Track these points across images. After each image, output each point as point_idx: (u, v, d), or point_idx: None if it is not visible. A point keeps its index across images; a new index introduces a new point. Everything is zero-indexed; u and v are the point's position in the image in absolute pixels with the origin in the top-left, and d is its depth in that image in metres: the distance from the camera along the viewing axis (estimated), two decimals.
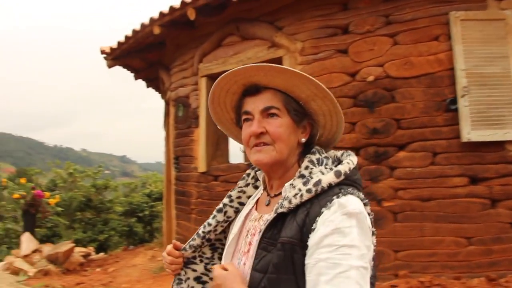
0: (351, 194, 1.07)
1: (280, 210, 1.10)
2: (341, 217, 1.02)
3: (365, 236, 1.03)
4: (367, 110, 4.38)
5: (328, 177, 1.10)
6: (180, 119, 6.35)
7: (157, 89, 8.78)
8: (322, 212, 1.04)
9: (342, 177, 1.10)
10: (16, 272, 6.34)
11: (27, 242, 7.30)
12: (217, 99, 1.29)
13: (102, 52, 6.96)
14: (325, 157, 1.21)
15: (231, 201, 1.35)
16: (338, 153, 1.24)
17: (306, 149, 1.22)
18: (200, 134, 5.82)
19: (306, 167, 1.17)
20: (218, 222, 1.34)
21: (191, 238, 1.34)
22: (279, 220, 1.11)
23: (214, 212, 1.34)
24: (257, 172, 1.36)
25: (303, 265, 1.03)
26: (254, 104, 1.19)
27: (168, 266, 1.35)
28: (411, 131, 4.24)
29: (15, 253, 7.22)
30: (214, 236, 1.35)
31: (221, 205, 1.35)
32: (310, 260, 1.02)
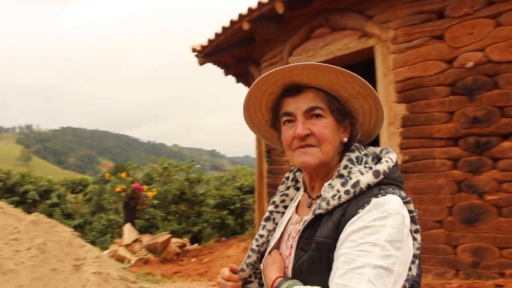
0: (391, 193, 1.04)
1: (318, 212, 1.09)
2: (375, 215, 1.00)
3: (398, 238, 0.99)
4: (467, 98, 4.14)
5: (366, 178, 1.07)
6: None
7: (247, 84, 9.07)
8: (358, 213, 1.02)
9: (381, 177, 1.07)
10: (120, 259, 7.00)
11: (129, 232, 7.98)
12: (253, 100, 1.24)
13: (193, 50, 7.39)
14: (365, 154, 1.17)
15: (276, 206, 1.32)
16: (377, 149, 1.20)
17: (345, 147, 1.18)
18: None
19: (345, 167, 1.13)
20: (269, 231, 1.29)
21: (246, 256, 1.28)
22: (317, 221, 1.10)
23: (263, 222, 1.30)
24: (296, 174, 1.33)
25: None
26: (296, 105, 1.14)
27: None
28: None
29: (118, 242, 7.96)
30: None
31: (268, 214, 1.31)
32: (335, 255, 1.02)
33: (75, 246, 4.43)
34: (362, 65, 5.65)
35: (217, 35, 6.77)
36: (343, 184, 1.08)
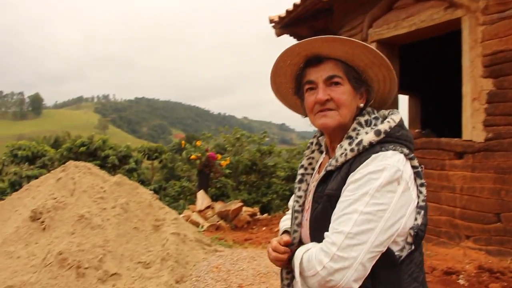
0: (393, 150, 1.14)
1: (328, 168, 1.23)
2: (372, 169, 1.11)
3: (390, 188, 1.09)
4: None
5: (368, 137, 1.18)
6: None
7: None
8: (359, 167, 1.14)
9: (382, 135, 1.17)
10: (193, 224, 7.34)
11: (202, 199, 8.27)
12: (279, 70, 1.35)
13: (271, 21, 7.43)
14: (375, 117, 1.27)
15: (306, 169, 1.42)
16: (386, 112, 1.30)
17: (360, 112, 1.29)
18: None
19: (354, 129, 1.24)
20: (305, 191, 1.39)
21: (293, 218, 1.36)
22: (329, 177, 1.23)
23: (297, 185, 1.40)
24: (319, 139, 1.44)
25: None
26: (318, 74, 1.26)
27: (273, 262, 1.37)
28: None
29: (192, 208, 8.27)
30: None
31: (300, 177, 1.41)
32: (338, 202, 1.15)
33: (155, 207, 4.79)
34: (447, 38, 5.41)
35: (295, 5, 6.77)
36: (350, 144, 1.20)
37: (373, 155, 1.13)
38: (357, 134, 1.23)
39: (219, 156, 8.84)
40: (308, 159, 1.43)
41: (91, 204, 4.50)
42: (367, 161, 1.13)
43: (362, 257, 1.07)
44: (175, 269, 3.82)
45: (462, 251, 4.48)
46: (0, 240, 4.32)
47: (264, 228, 7.70)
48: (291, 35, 8.17)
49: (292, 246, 1.32)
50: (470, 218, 4.48)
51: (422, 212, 1.16)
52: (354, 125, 1.24)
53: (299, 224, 1.33)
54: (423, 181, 1.18)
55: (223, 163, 8.77)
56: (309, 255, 1.15)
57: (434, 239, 4.79)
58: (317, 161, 1.44)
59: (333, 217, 1.13)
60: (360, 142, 1.18)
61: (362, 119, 1.26)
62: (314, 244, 1.19)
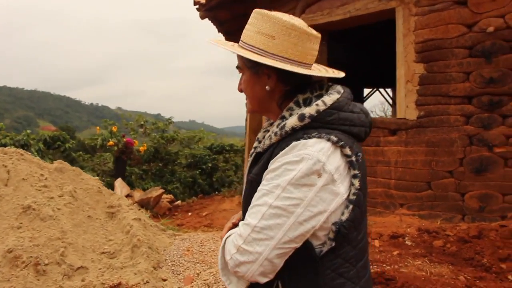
0: (316, 137, 1.06)
1: (257, 150, 1.20)
2: (289, 159, 1.05)
3: (306, 182, 1.03)
4: (484, 60, 4.55)
5: (291, 121, 1.10)
6: None
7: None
8: (278, 154, 1.08)
9: (307, 120, 1.08)
10: None
11: (120, 187, 7.86)
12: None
13: (196, 3, 7.26)
14: (318, 95, 1.18)
15: (259, 142, 1.32)
16: (331, 89, 1.19)
17: (295, 88, 1.20)
18: None
19: (288, 109, 1.17)
20: None
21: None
22: (259, 158, 1.19)
23: (249, 158, 1.33)
24: None
25: None
26: None
27: None
28: None
29: None
30: None
31: (252, 150, 1.32)
32: None
33: (105, 194, 4.43)
34: (376, 25, 5.92)
35: None
36: (277, 126, 1.13)
37: (293, 143, 1.06)
38: (290, 114, 1.15)
39: (136, 142, 8.39)
40: (264, 131, 1.34)
41: (35, 193, 3.96)
42: (286, 149, 1.06)
43: (268, 252, 1.03)
44: (150, 255, 3.61)
45: (398, 218, 5.05)
46: None
47: (190, 214, 7.60)
48: (210, 19, 8.08)
49: None
50: (404, 188, 5.05)
51: (351, 206, 1.08)
52: (291, 104, 1.17)
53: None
54: (356, 172, 1.09)
55: (141, 148, 8.36)
56: (228, 241, 1.12)
57: (371, 210, 5.29)
58: None
59: (249, 207, 1.09)
60: (284, 126, 1.11)
61: (301, 98, 1.17)
62: (236, 229, 1.14)
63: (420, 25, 4.93)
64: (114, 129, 8.37)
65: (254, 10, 1.18)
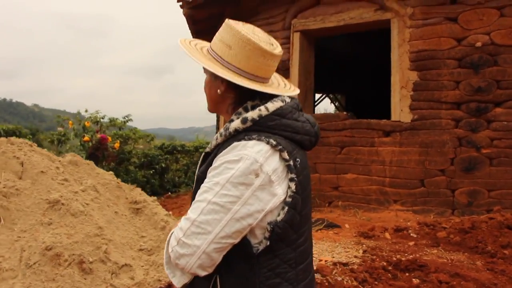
0: (256, 139, 1.12)
1: (206, 150, 1.27)
2: (228, 158, 1.11)
3: (243, 180, 1.08)
4: (472, 71, 5.12)
5: (235, 123, 1.17)
6: None
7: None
8: (220, 154, 1.15)
9: (249, 123, 1.15)
10: None
11: None
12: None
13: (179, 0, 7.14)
14: (265, 103, 1.21)
15: None
16: (277, 98, 1.24)
17: (247, 95, 1.24)
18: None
19: (237, 113, 1.23)
20: None
21: None
22: (207, 158, 1.25)
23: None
24: None
25: None
26: None
27: None
28: (509, 91, 5.04)
29: None
30: None
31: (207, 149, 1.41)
32: None
33: (125, 189, 4.19)
34: (367, 33, 6.33)
35: None
36: (224, 128, 1.20)
37: (234, 143, 1.13)
38: (238, 118, 1.21)
39: (109, 138, 7.92)
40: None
41: (58, 187, 3.62)
42: (227, 148, 1.13)
43: (206, 246, 1.08)
44: None
45: (393, 213, 5.43)
46: None
47: (171, 213, 7.41)
48: (186, 17, 7.98)
49: None
50: (398, 185, 5.45)
51: (287, 208, 1.14)
52: (240, 109, 1.23)
53: None
54: (293, 175, 1.15)
55: (116, 145, 7.92)
56: (170, 234, 1.17)
57: (365, 206, 5.62)
58: None
59: (193, 202, 1.16)
60: (228, 127, 1.18)
61: (250, 104, 1.23)
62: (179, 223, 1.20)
63: (414, 37, 5.40)
64: (87, 124, 7.84)
65: (225, 20, 1.26)
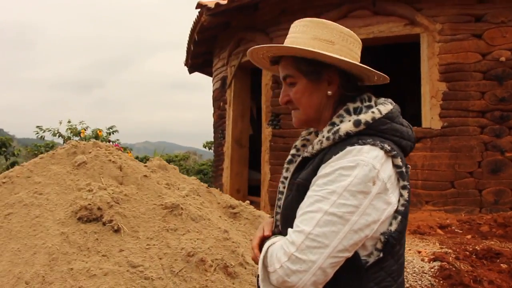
0: (371, 144, 1.06)
1: (304, 155, 1.19)
2: (343, 164, 1.04)
3: (362, 188, 1.02)
4: (497, 83, 5.72)
5: (346, 126, 1.11)
6: None
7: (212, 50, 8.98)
8: (331, 159, 1.08)
9: (362, 126, 1.10)
10: None
11: None
12: (258, 62, 1.36)
13: (200, 6, 7.08)
14: (368, 106, 1.18)
15: (298, 150, 1.34)
16: (380, 100, 1.22)
17: (346, 97, 1.21)
18: None
19: (339, 115, 1.18)
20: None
21: (277, 199, 1.32)
22: (305, 163, 1.19)
23: (285, 165, 1.33)
24: None
25: None
26: (280, 74, 1.26)
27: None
28: None
29: None
30: None
31: (290, 157, 1.34)
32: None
33: (215, 193, 4.11)
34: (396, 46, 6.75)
35: None
36: (329, 131, 1.14)
37: (348, 148, 1.07)
38: (341, 121, 1.16)
39: (121, 148, 7.55)
40: (302, 140, 1.36)
41: (168, 192, 3.50)
42: (340, 153, 1.07)
43: (322, 261, 1.00)
44: None
45: (427, 213, 5.84)
46: (45, 257, 2.85)
47: None
48: (198, 25, 7.88)
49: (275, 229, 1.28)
50: (430, 187, 5.88)
51: (400, 217, 1.10)
52: (341, 111, 1.18)
53: (280, 207, 1.28)
54: (406, 183, 1.13)
55: (130, 155, 7.54)
56: (273, 250, 1.08)
57: None
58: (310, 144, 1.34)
59: (299, 212, 1.07)
60: (337, 131, 1.12)
61: (351, 106, 1.18)
62: (281, 237, 1.12)
63: (443, 51, 5.90)
64: (99, 133, 7.40)
65: (303, 19, 1.23)
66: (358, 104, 1.19)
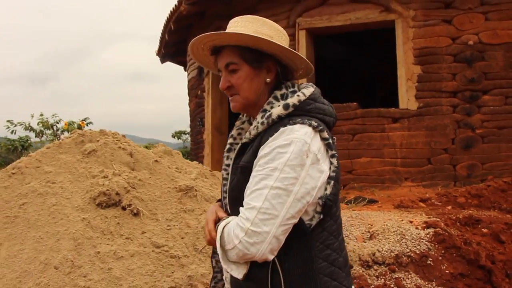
0: (300, 123, 1.20)
1: (243, 141, 1.30)
2: (279, 143, 1.17)
3: (298, 162, 1.15)
4: (466, 65, 6.15)
5: (277, 110, 1.24)
6: None
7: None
8: (268, 140, 1.20)
9: (291, 109, 1.23)
10: None
11: None
12: (196, 54, 1.44)
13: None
14: (292, 91, 1.31)
15: (234, 138, 1.43)
16: (302, 85, 1.35)
17: (276, 85, 1.35)
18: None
19: (269, 103, 1.30)
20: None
21: (222, 185, 1.41)
22: (244, 149, 1.30)
23: (225, 154, 1.42)
24: None
25: None
26: (220, 62, 1.35)
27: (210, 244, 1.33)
28: (493, 81, 6.16)
29: None
30: None
31: (228, 146, 1.43)
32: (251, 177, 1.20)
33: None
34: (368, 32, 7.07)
35: None
36: (262, 117, 1.27)
37: (281, 129, 1.19)
38: (271, 107, 1.28)
39: None
40: (237, 129, 1.46)
41: (179, 175, 3.60)
42: (275, 134, 1.19)
43: (275, 230, 1.13)
44: None
45: (407, 189, 6.22)
46: (70, 242, 2.91)
47: None
48: (176, 14, 7.90)
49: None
50: (408, 165, 6.27)
51: (332, 182, 1.23)
52: (270, 99, 1.31)
53: (226, 191, 1.38)
54: (334, 152, 1.25)
55: None
56: (229, 229, 1.19)
57: (379, 185, 6.34)
58: (246, 132, 1.43)
59: (247, 191, 1.19)
60: (270, 115, 1.24)
61: (278, 93, 1.32)
62: (233, 217, 1.24)
63: (417, 35, 6.26)
64: (83, 124, 7.27)
65: (244, 16, 1.35)
66: (284, 91, 1.32)
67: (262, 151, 1.19)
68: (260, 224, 1.12)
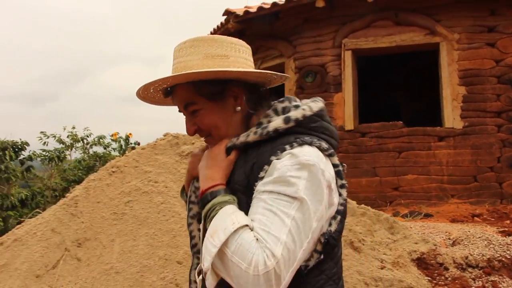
0: (308, 144, 1.02)
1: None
2: (291, 167, 0.98)
3: (315, 190, 0.97)
4: (510, 87, 6.38)
5: (276, 122, 1.06)
6: (310, 85, 7.28)
7: None
8: (271, 161, 1.01)
9: (292, 123, 1.06)
10: None
11: None
12: (148, 99, 1.26)
13: (227, 13, 7.31)
14: (295, 106, 1.14)
15: None
16: (309, 100, 1.17)
17: (261, 101, 1.18)
18: (347, 98, 6.98)
19: (267, 115, 1.14)
20: None
21: (188, 224, 1.28)
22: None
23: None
24: None
25: (244, 208, 1.01)
26: (177, 104, 1.18)
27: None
28: None
29: None
30: None
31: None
32: (253, 200, 1.00)
33: None
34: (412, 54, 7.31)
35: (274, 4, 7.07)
36: (256, 127, 1.10)
37: (289, 150, 1.01)
38: (269, 121, 1.11)
39: None
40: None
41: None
42: (284, 157, 1.01)
43: (289, 278, 0.93)
44: None
45: (454, 206, 6.32)
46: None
47: None
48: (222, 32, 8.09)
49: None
50: (455, 182, 6.39)
51: (339, 217, 1.06)
52: (269, 112, 1.15)
53: (194, 216, 1.22)
54: (344, 181, 1.08)
55: None
56: (247, 243, 0.92)
57: (426, 202, 6.44)
58: None
59: (258, 216, 0.96)
60: (266, 127, 1.07)
61: (279, 106, 1.15)
62: (247, 219, 0.97)
63: (462, 58, 6.51)
64: (115, 135, 7.31)
65: (186, 40, 1.15)
66: (286, 104, 1.15)
67: (270, 175, 0.99)
68: (284, 270, 0.90)
